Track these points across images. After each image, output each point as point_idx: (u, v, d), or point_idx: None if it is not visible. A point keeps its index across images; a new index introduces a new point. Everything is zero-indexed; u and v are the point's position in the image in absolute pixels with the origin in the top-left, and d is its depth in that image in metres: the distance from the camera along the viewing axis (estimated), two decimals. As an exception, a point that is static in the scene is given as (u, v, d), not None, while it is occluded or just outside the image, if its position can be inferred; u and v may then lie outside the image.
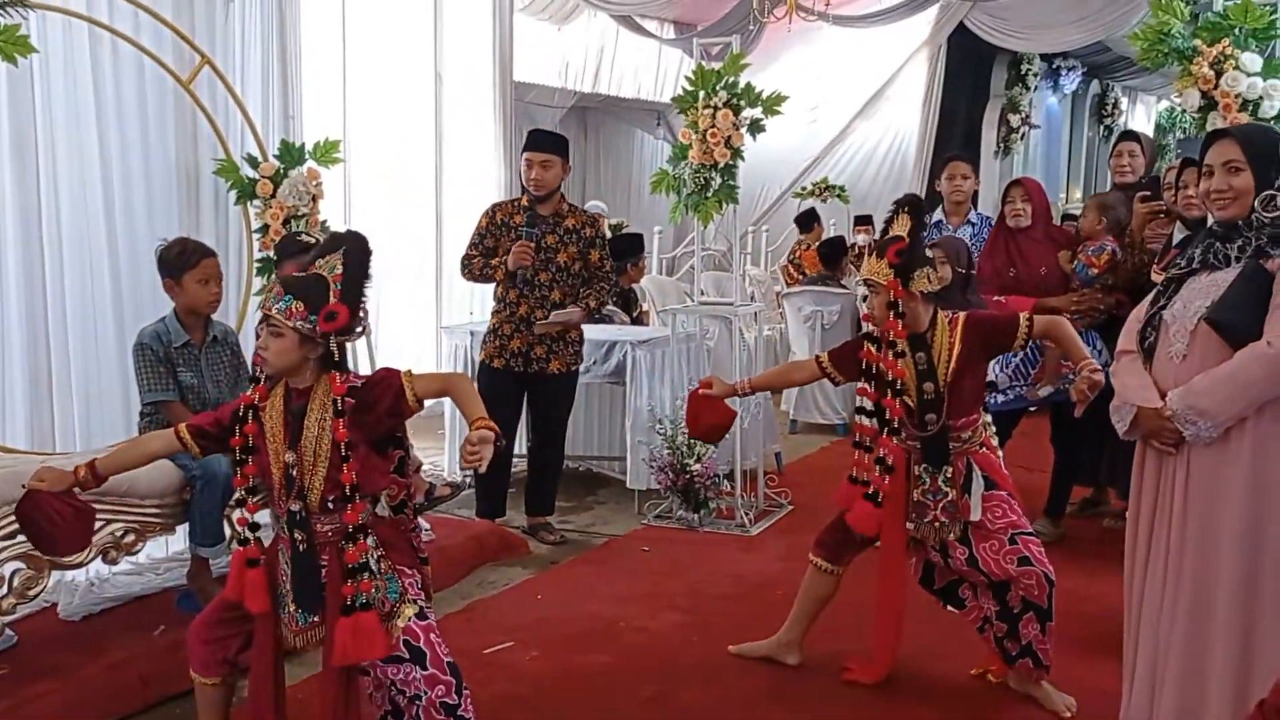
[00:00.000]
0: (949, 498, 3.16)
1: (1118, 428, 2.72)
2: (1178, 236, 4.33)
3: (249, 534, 2.63)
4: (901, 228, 3.12)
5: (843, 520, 3.39)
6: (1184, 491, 2.60)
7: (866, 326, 3.26)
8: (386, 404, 2.55)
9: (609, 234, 8.10)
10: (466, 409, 2.57)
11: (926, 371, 3.14)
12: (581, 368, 5.03)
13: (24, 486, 2.72)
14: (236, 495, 2.64)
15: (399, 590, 2.60)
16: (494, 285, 4.81)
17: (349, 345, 5.17)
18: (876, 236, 3.34)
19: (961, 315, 3.22)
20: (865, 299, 3.24)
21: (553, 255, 4.68)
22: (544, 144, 4.69)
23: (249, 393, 2.63)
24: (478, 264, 4.77)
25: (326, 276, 2.55)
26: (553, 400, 4.91)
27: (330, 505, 2.56)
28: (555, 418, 4.96)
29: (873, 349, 3.20)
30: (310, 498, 2.55)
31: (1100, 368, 3.01)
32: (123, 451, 2.86)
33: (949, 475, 3.17)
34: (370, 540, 2.58)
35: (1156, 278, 4.13)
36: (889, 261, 3.07)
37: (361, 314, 2.61)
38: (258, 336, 2.60)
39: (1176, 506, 2.61)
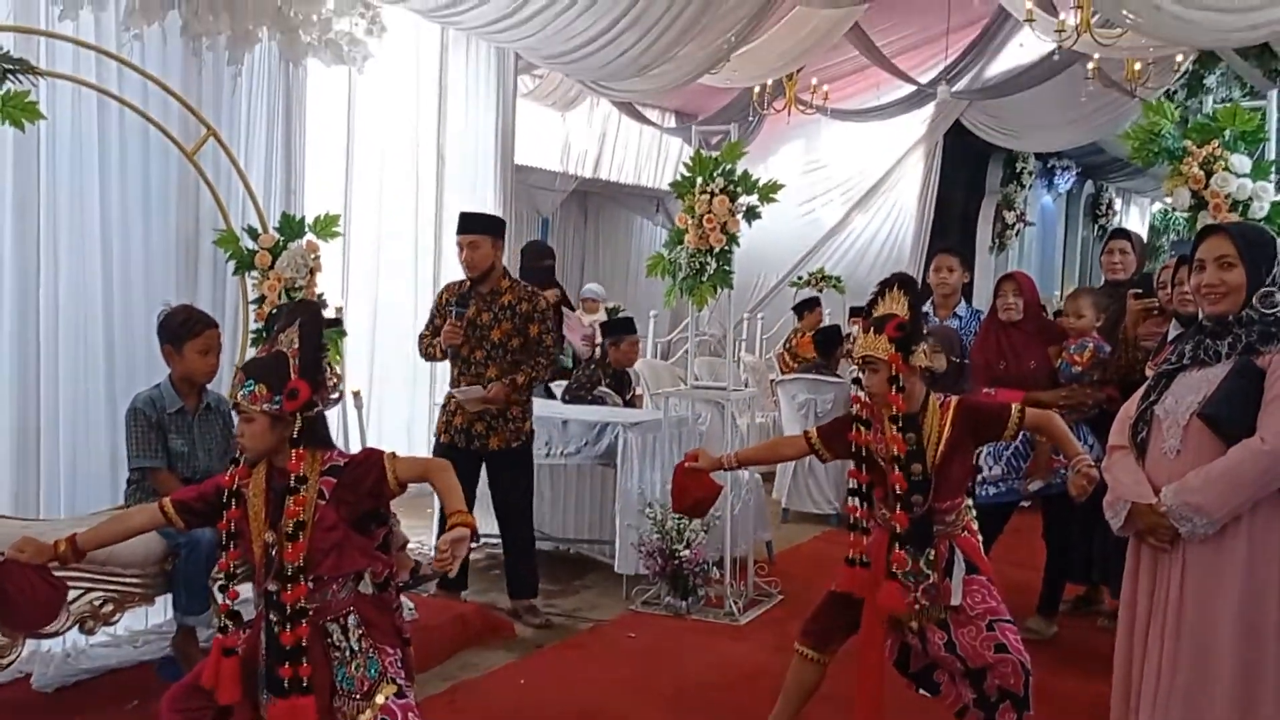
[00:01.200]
0: (930, 580, 3.13)
1: (1112, 524, 2.70)
2: (1173, 333, 4.36)
3: (228, 622, 2.61)
4: (897, 305, 3.14)
5: (830, 606, 3.36)
6: (1179, 587, 2.58)
7: (854, 410, 3.25)
8: (368, 484, 2.57)
9: (605, 316, 8.18)
10: (445, 500, 2.59)
11: (915, 452, 3.12)
12: (534, 444, 5.06)
13: (2, 554, 2.69)
14: (219, 581, 2.61)
15: (379, 669, 2.58)
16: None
17: (342, 416, 5.19)
18: (860, 319, 3.35)
19: (954, 399, 3.22)
20: (857, 381, 3.23)
21: (486, 332, 4.76)
22: (472, 225, 4.82)
23: (228, 475, 2.62)
24: (425, 342, 4.93)
25: (286, 352, 2.57)
26: (501, 478, 4.90)
27: (308, 586, 2.53)
28: (510, 496, 4.93)
29: (862, 430, 3.20)
30: (285, 578, 2.52)
31: (1094, 462, 3.00)
32: (105, 526, 2.84)
33: (931, 558, 3.14)
34: (352, 619, 2.59)
35: (1150, 373, 4.15)
36: (889, 336, 3.08)
37: (330, 382, 2.63)
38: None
39: (1172, 602, 2.59)
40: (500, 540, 5.12)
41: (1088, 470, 2.95)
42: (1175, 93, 9.91)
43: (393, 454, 2.62)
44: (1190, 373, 2.63)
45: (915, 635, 3.21)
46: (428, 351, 4.93)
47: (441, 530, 2.47)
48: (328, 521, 2.53)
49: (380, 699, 2.53)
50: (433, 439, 5.02)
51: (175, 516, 2.66)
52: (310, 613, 2.53)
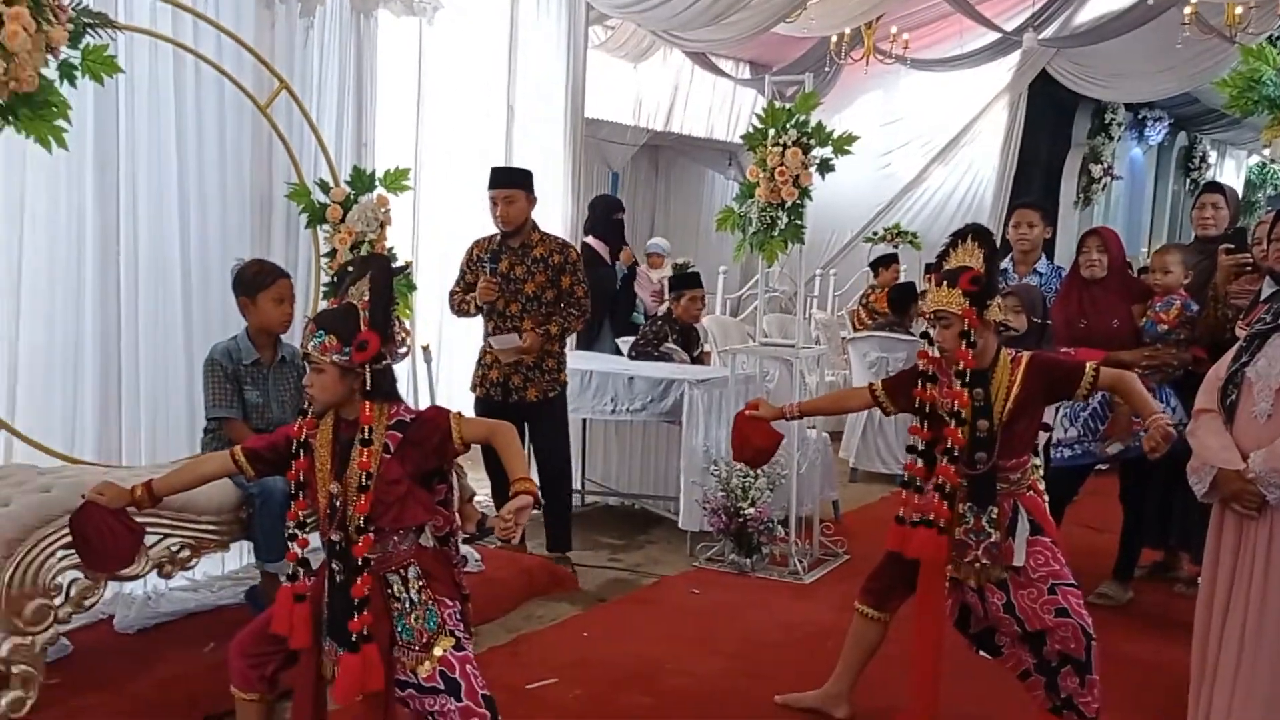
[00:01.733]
0: (992, 539, 3.07)
1: (1196, 489, 2.61)
2: (1267, 291, 4.18)
3: (298, 569, 2.65)
4: (971, 258, 3.05)
5: (889, 565, 3.32)
6: (1265, 556, 2.50)
7: (922, 365, 3.17)
8: (434, 442, 2.59)
9: (671, 271, 8.12)
10: (509, 465, 2.59)
11: (982, 409, 3.05)
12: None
13: (83, 496, 2.77)
14: (289, 530, 2.65)
15: (438, 621, 2.61)
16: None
17: (412, 371, 5.24)
18: (933, 274, 3.26)
19: (1026, 355, 3.13)
20: (925, 335, 3.15)
21: (520, 286, 4.76)
22: (504, 180, 4.82)
23: (296, 426, 2.65)
24: (458, 299, 4.93)
25: (357, 304, 2.58)
26: (540, 430, 4.91)
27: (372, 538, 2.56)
28: (547, 448, 4.95)
29: (928, 386, 3.12)
30: (350, 529, 2.56)
31: (1171, 420, 2.90)
32: (179, 472, 2.90)
33: (994, 516, 3.08)
34: (412, 571, 2.62)
35: (1241, 334, 3.99)
36: (963, 290, 2.99)
37: (399, 336, 2.64)
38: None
39: (1257, 572, 2.51)
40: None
41: (1165, 427, 2.85)
42: (1279, 38, 9.45)
43: (459, 414, 2.63)
44: None
45: (975, 594, 3.16)
46: (460, 308, 4.92)
47: (497, 489, 2.47)
48: (392, 475, 2.55)
49: (439, 651, 2.56)
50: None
51: (246, 464, 2.70)
52: (373, 564, 2.57)
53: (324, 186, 4.47)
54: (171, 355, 4.29)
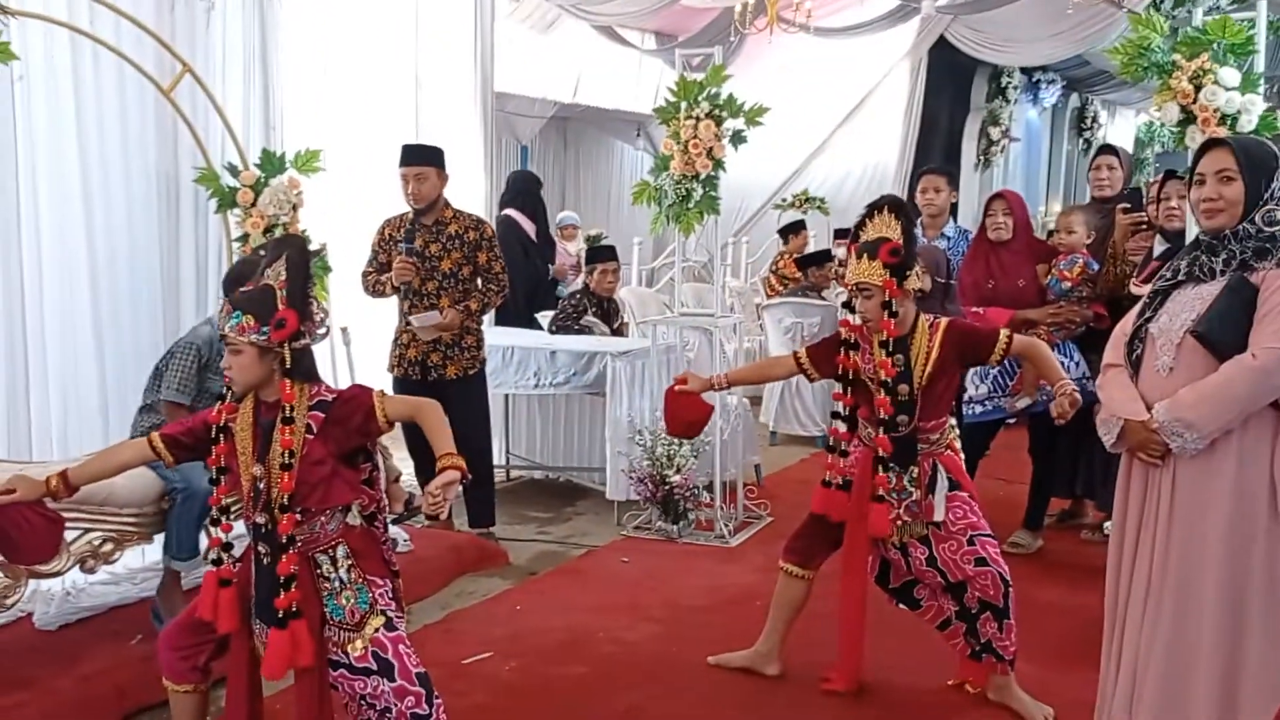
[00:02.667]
0: (914, 497, 3.21)
1: (1105, 440, 2.74)
2: (1158, 249, 4.37)
3: (222, 554, 2.64)
4: (889, 229, 3.14)
5: (812, 524, 3.44)
6: (1170, 502, 2.62)
7: (844, 333, 3.27)
8: (357, 421, 2.59)
9: (584, 244, 8.14)
10: (434, 441, 2.61)
11: (903, 374, 3.17)
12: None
13: None
14: (211, 514, 2.64)
15: (369, 600, 2.62)
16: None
17: (331, 352, 5.18)
18: (847, 243, 3.35)
19: (944, 321, 3.25)
20: (846, 304, 3.25)
21: (436, 264, 4.74)
22: (416, 157, 4.78)
23: (215, 411, 2.63)
24: (372, 279, 4.87)
25: (273, 285, 2.57)
26: (461, 407, 4.87)
27: (297, 518, 2.57)
28: (468, 425, 4.89)
29: (850, 354, 3.23)
30: (275, 510, 2.55)
31: (1079, 379, 3.04)
32: (95, 460, 2.85)
33: (915, 475, 3.22)
34: (341, 550, 2.63)
35: (1137, 290, 4.17)
36: (883, 262, 3.09)
37: (318, 315, 2.64)
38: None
39: (1162, 517, 2.63)
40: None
41: (1071, 394, 3.00)
42: (1162, 3, 9.78)
43: (381, 392, 2.64)
44: (1185, 290, 2.64)
45: (897, 551, 3.29)
46: (375, 289, 4.85)
47: (420, 468, 2.47)
48: (315, 455, 2.55)
49: (370, 630, 2.58)
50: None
51: (164, 450, 2.66)
52: (299, 543, 2.57)
53: (233, 170, 4.39)
54: (81, 345, 4.21)
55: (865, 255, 3.13)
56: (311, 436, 2.56)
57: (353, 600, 2.60)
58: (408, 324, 4.80)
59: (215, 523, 2.67)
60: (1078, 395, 3.02)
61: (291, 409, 2.53)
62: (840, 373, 3.26)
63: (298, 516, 2.55)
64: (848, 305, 3.24)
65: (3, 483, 2.71)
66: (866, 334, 3.21)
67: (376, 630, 2.58)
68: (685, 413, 3.48)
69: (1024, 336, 3.32)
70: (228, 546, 2.65)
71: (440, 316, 4.69)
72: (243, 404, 2.63)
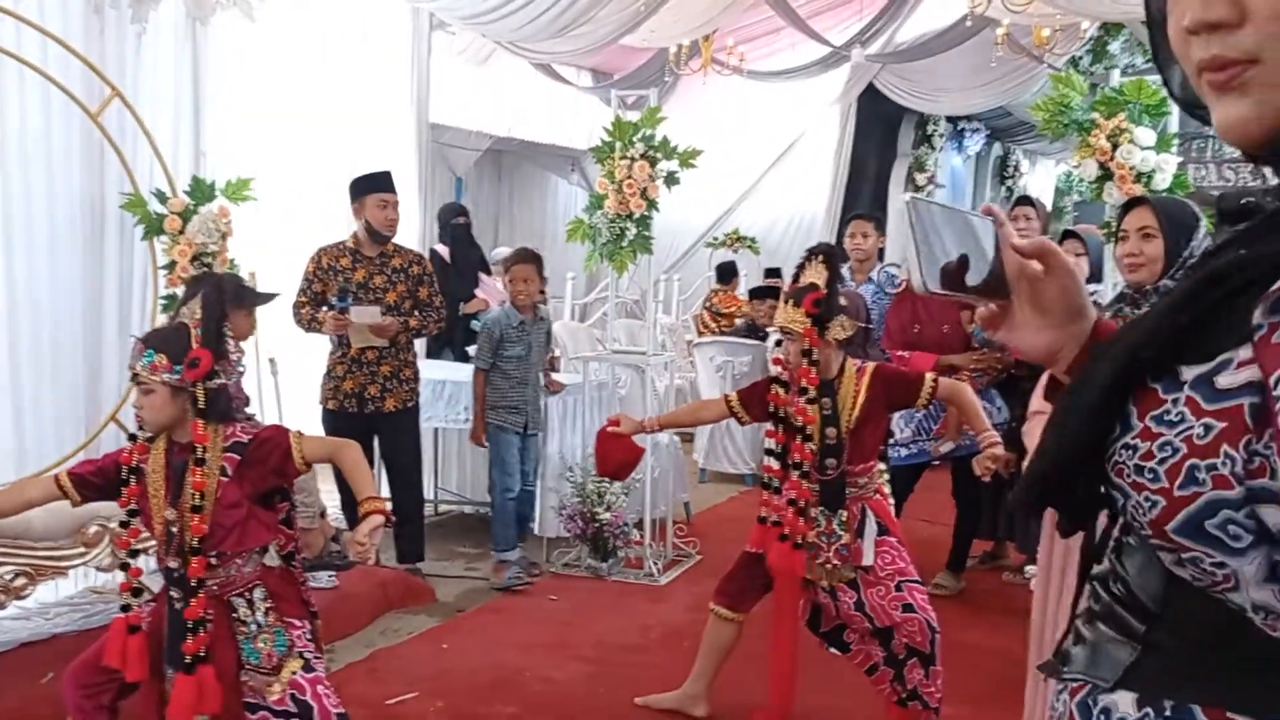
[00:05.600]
0: (843, 541, 3.25)
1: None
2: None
3: (131, 599, 2.58)
4: (817, 276, 3.19)
5: (743, 566, 3.46)
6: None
7: (774, 370, 3.32)
8: (273, 462, 2.56)
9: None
10: (355, 484, 2.58)
11: (830, 417, 3.22)
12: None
13: None
14: (119, 559, 2.59)
15: (286, 643, 2.58)
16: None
17: (258, 384, 5.09)
18: (787, 285, 3.42)
19: (870, 365, 3.31)
20: (779, 344, 3.30)
21: (381, 295, 4.73)
22: (392, 185, 4.81)
23: (126, 451, 2.59)
24: (306, 313, 4.76)
25: (188, 323, 2.54)
26: (396, 440, 4.87)
27: (211, 561, 2.52)
28: (402, 459, 4.91)
29: (780, 392, 3.27)
30: (187, 554, 2.50)
31: (1000, 439, 3.13)
32: (0, 496, 2.78)
33: (844, 519, 3.25)
34: (258, 593, 2.59)
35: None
36: (805, 310, 3.14)
37: (233, 356, 2.62)
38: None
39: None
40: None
41: (993, 450, 3.09)
42: (1080, 59, 10.14)
43: (299, 432, 2.61)
44: None
45: (827, 594, 3.31)
46: (309, 324, 4.74)
47: (347, 502, 2.44)
48: (230, 499, 2.51)
49: (287, 674, 2.54)
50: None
51: (72, 489, 2.60)
52: (216, 586, 2.53)
53: (161, 197, 4.31)
54: (-7, 372, 4.07)
55: (791, 301, 3.19)
56: (226, 479, 2.52)
57: (270, 644, 2.56)
58: (352, 358, 4.71)
59: (124, 567, 2.61)
60: (1000, 450, 3.10)
61: (204, 450, 2.48)
62: (772, 410, 3.30)
63: (210, 560, 2.50)
64: (780, 344, 3.31)
65: None
66: (795, 376, 3.26)
67: (294, 673, 2.54)
68: (617, 454, 3.50)
69: (950, 381, 3.39)
70: (137, 591, 2.59)
71: (380, 315, 4.63)
72: (155, 444, 2.58)
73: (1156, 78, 4.29)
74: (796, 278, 3.28)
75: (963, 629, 4.35)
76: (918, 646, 3.22)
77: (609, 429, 3.49)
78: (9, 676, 3.50)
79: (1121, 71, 4.50)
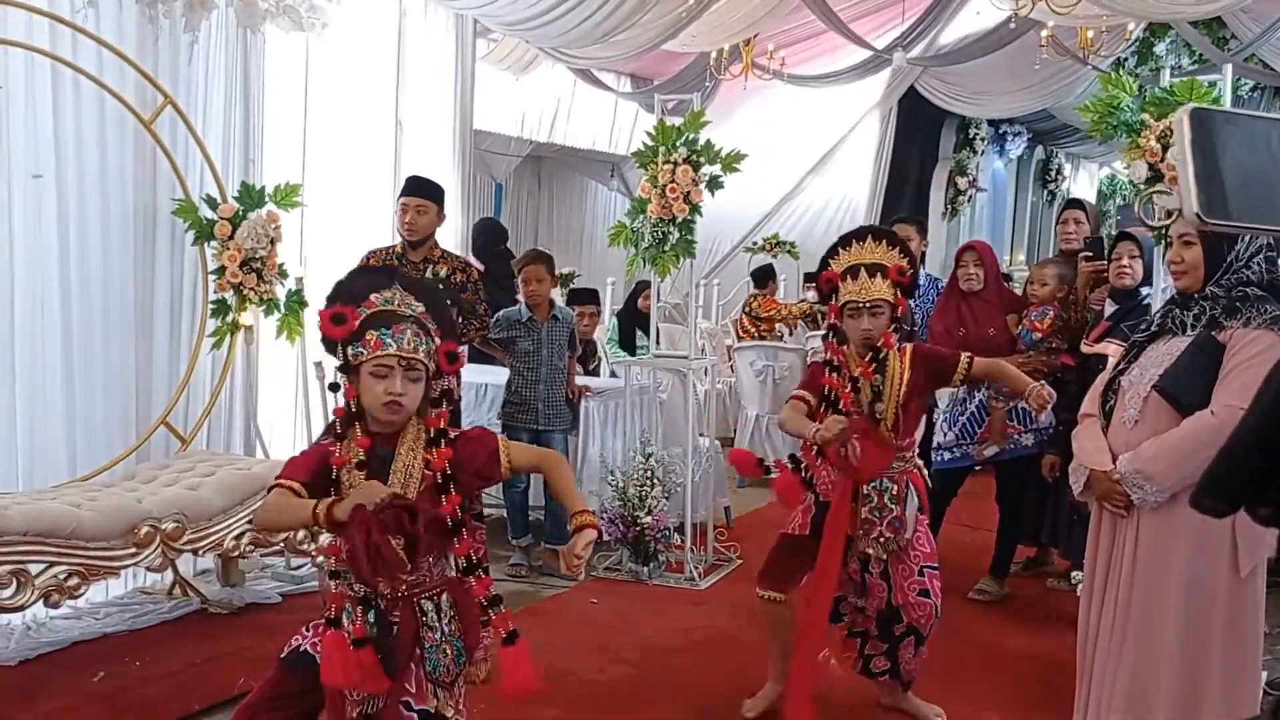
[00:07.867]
0: (894, 513, 3.33)
1: (1074, 488, 2.80)
2: (1109, 309, 4.47)
3: (355, 609, 2.34)
4: (885, 255, 3.33)
5: (780, 548, 3.53)
6: (1134, 552, 2.67)
7: (828, 355, 3.38)
8: (479, 464, 2.39)
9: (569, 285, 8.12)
10: (564, 496, 2.42)
11: (880, 392, 3.33)
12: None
13: None
14: (329, 569, 2.41)
15: (465, 658, 2.44)
16: None
17: (303, 388, 5.14)
18: (817, 268, 3.49)
19: (909, 345, 3.44)
20: (834, 328, 3.38)
21: None
22: (420, 189, 4.81)
23: (332, 450, 2.36)
24: None
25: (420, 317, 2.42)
26: None
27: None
28: None
29: (834, 376, 3.35)
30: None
31: (1045, 427, 3.15)
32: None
33: (894, 493, 3.34)
34: (445, 599, 2.39)
35: (1087, 349, 4.28)
36: (893, 280, 3.28)
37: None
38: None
39: (1126, 566, 2.68)
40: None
41: (1041, 393, 3.14)
42: (1126, 60, 10.03)
43: (504, 438, 2.48)
44: (1158, 344, 2.71)
45: (858, 563, 3.39)
46: None
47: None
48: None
49: (458, 690, 2.45)
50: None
51: (306, 498, 2.34)
52: (400, 587, 2.35)
53: (211, 203, 4.39)
54: (49, 377, 4.15)
55: (879, 275, 3.28)
56: (430, 472, 2.35)
57: (449, 656, 2.38)
58: None
59: (335, 576, 2.36)
60: (1048, 392, 3.14)
61: (443, 431, 2.35)
62: (825, 394, 3.36)
63: (470, 538, 2.36)
64: (834, 329, 3.38)
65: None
66: (844, 362, 3.35)
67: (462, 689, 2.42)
68: (881, 456, 3.33)
69: (985, 359, 3.47)
70: (364, 601, 2.34)
71: None
72: (346, 440, 2.37)
73: (1207, 78, 4.25)
74: (826, 264, 3.39)
75: (1006, 635, 4.32)
76: (920, 627, 3.37)
77: (855, 427, 3.32)
78: (61, 674, 3.57)
79: (1171, 74, 4.42)
